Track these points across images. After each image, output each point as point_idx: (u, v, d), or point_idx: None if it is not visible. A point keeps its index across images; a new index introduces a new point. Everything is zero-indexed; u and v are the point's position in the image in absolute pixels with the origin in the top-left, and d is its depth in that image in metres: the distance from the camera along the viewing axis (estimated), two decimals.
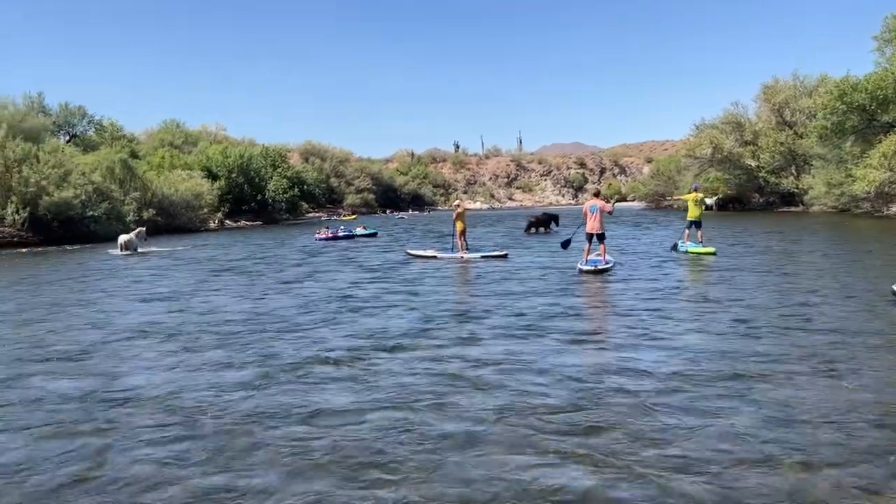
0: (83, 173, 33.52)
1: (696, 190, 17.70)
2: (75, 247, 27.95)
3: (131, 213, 35.50)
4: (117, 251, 22.99)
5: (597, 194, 14.71)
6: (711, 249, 16.36)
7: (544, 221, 29.02)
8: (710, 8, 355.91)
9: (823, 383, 5.59)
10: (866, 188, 29.77)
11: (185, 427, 5.06)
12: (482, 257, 17.23)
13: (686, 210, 17.60)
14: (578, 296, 10.94)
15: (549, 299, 10.40)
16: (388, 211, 79.52)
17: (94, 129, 60.92)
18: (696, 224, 17.19)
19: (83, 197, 31.34)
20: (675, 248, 17.84)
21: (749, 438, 4.45)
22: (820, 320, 8.04)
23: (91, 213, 31.47)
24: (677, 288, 11.35)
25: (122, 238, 23.65)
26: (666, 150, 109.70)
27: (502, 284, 12.36)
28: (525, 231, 28.73)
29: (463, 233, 18.02)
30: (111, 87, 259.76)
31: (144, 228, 26.33)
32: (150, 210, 37.99)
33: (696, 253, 16.36)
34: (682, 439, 4.48)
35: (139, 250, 23.74)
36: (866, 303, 9.10)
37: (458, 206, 18.49)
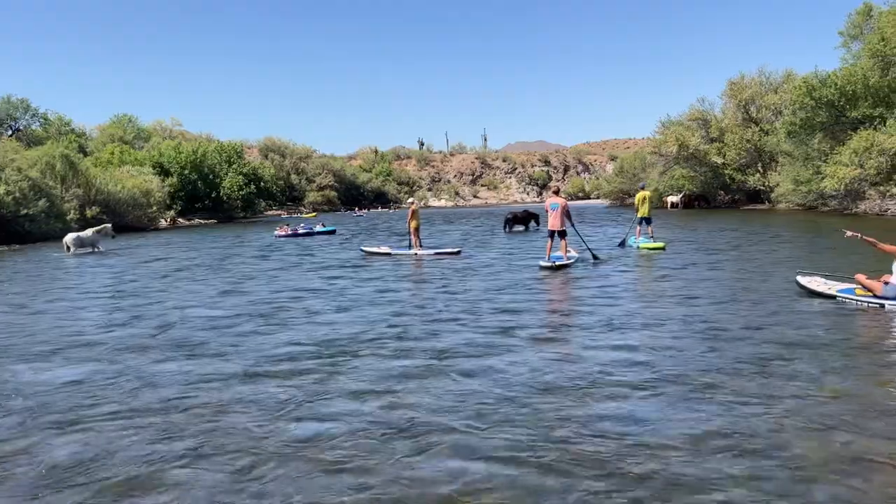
0: (19, 169, 31.30)
1: (643, 188, 18.45)
2: (13, 247, 25.95)
3: (72, 212, 33.34)
4: (64, 251, 21.43)
5: (556, 192, 15.07)
6: (661, 245, 17.28)
7: (524, 219, 27.63)
8: (673, 6, 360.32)
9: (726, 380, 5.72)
10: (836, 185, 29.23)
11: (168, 422, 5.08)
12: (436, 254, 17.54)
13: (637, 208, 18.41)
14: (536, 293, 10.93)
15: (507, 296, 10.43)
16: (356, 209, 78.02)
17: (39, 124, 58.18)
18: (647, 220, 18.05)
19: (17, 194, 29.17)
20: (622, 244, 18.42)
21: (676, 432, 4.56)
22: (739, 318, 8.18)
23: (25, 211, 29.30)
24: (629, 284, 11.76)
25: (69, 237, 22.06)
26: (628, 147, 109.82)
27: (462, 283, 12.21)
28: (504, 228, 27.49)
29: (417, 230, 18.25)
30: (90, 85, 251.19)
31: (110, 225, 24.71)
32: (94, 208, 35.89)
33: (648, 248, 17.19)
34: (633, 435, 4.52)
35: (101, 249, 22.36)
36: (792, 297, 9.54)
37: (413, 203, 18.85)
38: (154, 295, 11.85)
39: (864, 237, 9.23)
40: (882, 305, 8.43)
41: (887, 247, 8.76)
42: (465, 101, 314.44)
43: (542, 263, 13.66)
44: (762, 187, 42.92)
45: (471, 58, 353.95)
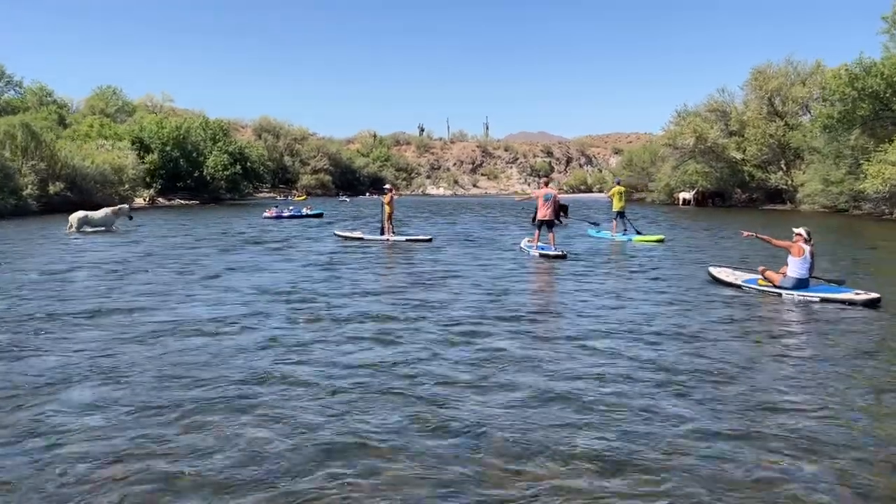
0: None
1: (619, 184, 19.42)
2: None
3: (30, 186, 30.18)
4: (66, 229, 19.96)
5: (547, 184, 15.42)
6: (660, 237, 18.16)
7: (555, 212, 24.17)
8: (684, 3, 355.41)
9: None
10: (881, 186, 26.14)
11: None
12: (407, 240, 17.71)
13: (612, 202, 19.22)
14: (508, 288, 10.39)
15: (493, 286, 10.30)
16: (344, 194, 75.40)
17: (15, 91, 54.92)
18: (621, 214, 18.93)
19: None
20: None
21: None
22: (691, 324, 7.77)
23: None
24: (608, 282, 11.08)
25: (75, 216, 20.37)
26: (631, 142, 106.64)
27: (441, 272, 11.79)
28: (532, 222, 24.15)
29: (391, 217, 18.32)
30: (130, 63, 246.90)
31: (127, 206, 22.86)
32: (59, 184, 32.73)
33: (645, 241, 17.74)
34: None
35: (113, 230, 21.05)
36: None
37: (389, 191, 18.85)
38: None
39: (759, 235, 10.32)
40: (780, 294, 9.34)
41: (781, 242, 9.68)
42: (467, 89, 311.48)
43: (548, 252, 13.86)
44: (784, 186, 39.85)
45: (475, 45, 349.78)
